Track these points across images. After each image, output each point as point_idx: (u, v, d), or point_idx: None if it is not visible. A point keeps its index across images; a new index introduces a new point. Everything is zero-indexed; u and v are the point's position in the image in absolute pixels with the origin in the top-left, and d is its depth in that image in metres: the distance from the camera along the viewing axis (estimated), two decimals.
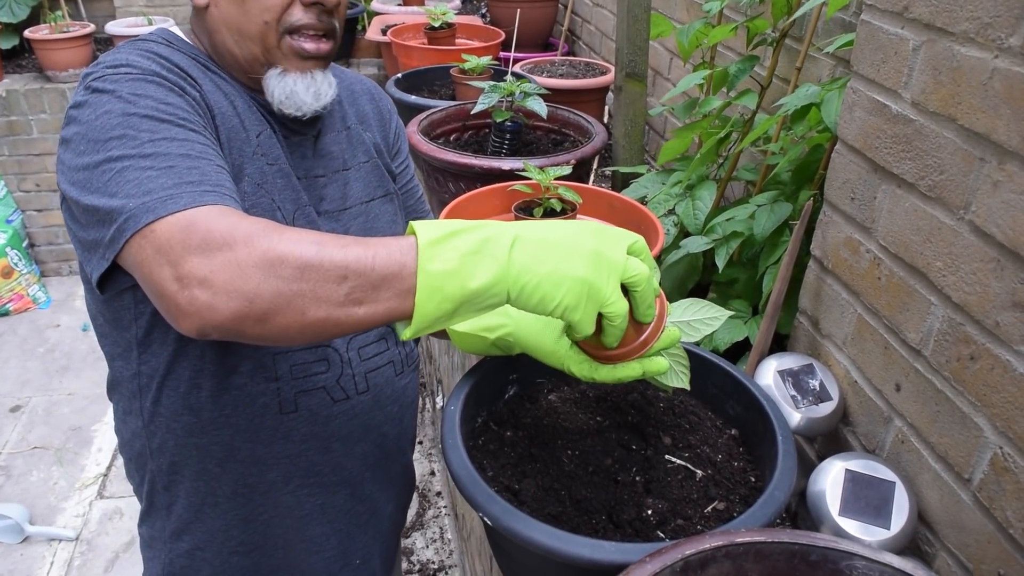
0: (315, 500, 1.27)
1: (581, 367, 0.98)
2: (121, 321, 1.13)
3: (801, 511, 1.24)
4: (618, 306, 0.86)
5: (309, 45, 1.12)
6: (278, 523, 1.26)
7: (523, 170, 1.57)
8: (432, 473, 3.25)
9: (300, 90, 1.12)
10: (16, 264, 4.35)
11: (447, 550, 2.89)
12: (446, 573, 2.79)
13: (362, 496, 1.34)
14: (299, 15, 1.10)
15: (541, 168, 1.52)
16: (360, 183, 1.27)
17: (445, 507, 3.08)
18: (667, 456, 1.14)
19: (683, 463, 1.13)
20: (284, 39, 1.10)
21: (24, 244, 4.47)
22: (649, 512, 1.04)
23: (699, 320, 1.09)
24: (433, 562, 2.84)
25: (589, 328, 0.86)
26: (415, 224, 0.88)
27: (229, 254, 0.83)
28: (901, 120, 1.07)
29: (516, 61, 2.81)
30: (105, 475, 3.30)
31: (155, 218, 0.87)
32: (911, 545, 1.11)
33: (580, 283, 0.84)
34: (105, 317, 1.15)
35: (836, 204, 1.24)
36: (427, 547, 2.90)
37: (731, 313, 1.11)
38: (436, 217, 1.46)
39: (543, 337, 1.04)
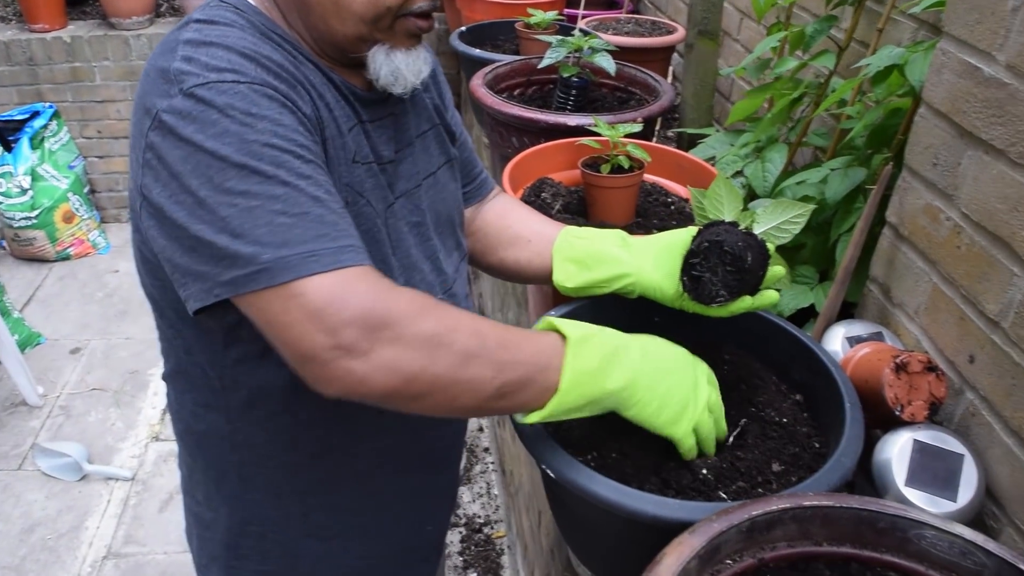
0: (401, 483, 1.25)
1: (695, 306, 1.12)
2: (206, 324, 1.05)
3: (859, 480, 1.22)
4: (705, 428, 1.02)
5: (424, 23, 1.05)
6: (360, 510, 1.23)
7: (589, 127, 1.55)
8: (480, 429, 3.28)
9: (404, 68, 1.05)
10: (77, 209, 4.43)
11: (493, 505, 2.92)
12: (492, 527, 2.83)
13: (443, 471, 1.34)
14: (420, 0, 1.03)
15: (610, 124, 1.50)
16: (425, 154, 1.20)
17: (492, 463, 3.11)
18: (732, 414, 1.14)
19: (747, 426, 1.12)
20: (399, 20, 1.03)
21: (85, 190, 4.55)
22: (705, 471, 1.03)
23: (786, 221, 1.13)
24: (479, 516, 2.87)
25: (690, 442, 1.01)
26: (557, 322, 0.99)
27: (392, 332, 0.85)
28: (994, 83, 1.04)
29: (582, 17, 2.77)
30: (161, 419, 3.38)
31: (296, 277, 0.84)
32: (976, 519, 1.09)
33: (690, 406, 1.00)
34: (179, 313, 1.05)
35: (916, 170, 1.20)
36: (474, 501, 2.94)
37: (813, 207, 1.18)
38: (486, 169, 1.42)
39: (665, 284, 1.14)
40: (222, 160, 0.86)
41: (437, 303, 0.92)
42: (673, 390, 0.99)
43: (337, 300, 0.84)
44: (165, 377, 1.18)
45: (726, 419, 1.11)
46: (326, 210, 0.90)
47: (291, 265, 0.85)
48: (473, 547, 2.75)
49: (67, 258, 4.47)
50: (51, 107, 4.36)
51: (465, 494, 2.97)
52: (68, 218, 4.39)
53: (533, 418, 0.95)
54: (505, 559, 2.70)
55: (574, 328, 0.97)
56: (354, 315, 0.84)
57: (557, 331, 0.99)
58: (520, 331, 0.96)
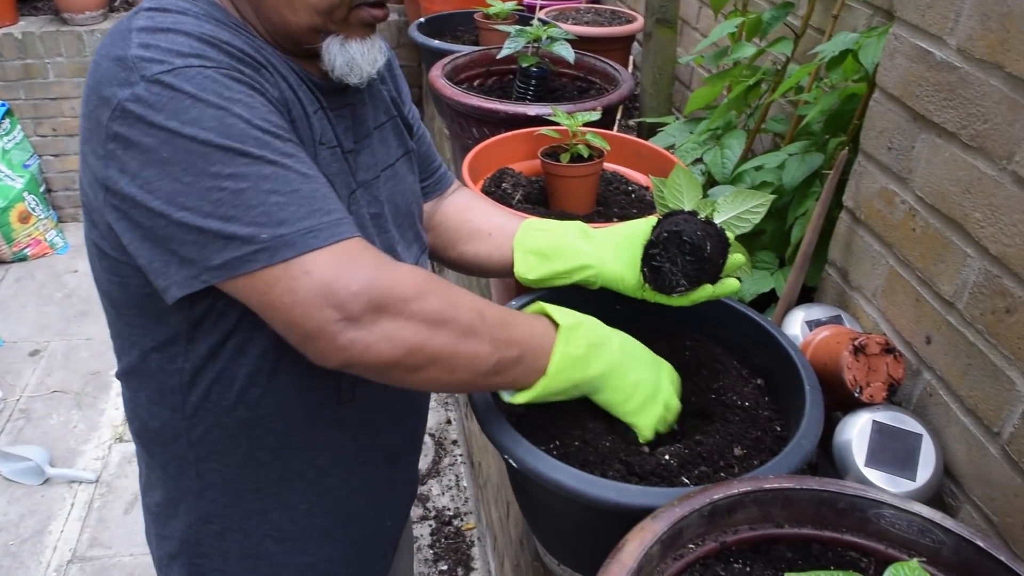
0: (359, 479, 1.24)
1: (657, 296, 1.12)
2: (168, 319, 1.03)
3: (822, 463, 1.24)
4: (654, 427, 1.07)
5: (379, 12, 1.04)
6: (318, 510, 1.21)
7: (549, 116, 1.55)
8: (448, 422, 3.27)
9: (359, 58, 1.05)
10: (33, 209, 4.35)
11: (463, 497, 2.92)
12: (461, 519, 2.83)
13: (401, 466, 1.33)
14: None
15: (569, 113, 1.50)
16: (384, 145, 1.20)
17: (461, 455, 3.10)
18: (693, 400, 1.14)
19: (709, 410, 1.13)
20: (353, 11, 1.02)
21: (41, 189, 4.47)
22: (667, 457, 1.03)
23: (746, 211, 1.14)
24: (449, 509, 2.87)
25: (649, 433, 1.06)
26: (549, 308, 1.04)
27: (397, 305, 0.88)
28: (945, 67, 1.05)
29: (541, 7, 2.77)
30: (124, 420, 3.33)
31: (297, 254, 0.85)
32: (935, 498, 1.11)
33: (652, 400, 1.06)
34: (140, 309, 1.04)
35: (871, 154, 1.22)
36: (443, 494, 2.94)
37: (773, 196, 1.18)
38: (447, 161, 1.42)
39: (626, 275, 1.14)
40: (205, 145, 0.85)
41: (436, 277, 0.95)
42: (641, 383, 1.05)
43: (344, 274, 0.86)
44: (119, 375, 1.16)
45: (688, 404, 1.13)
46: (315, 185, 0.91)
47: (291, 242, 0.85)
48: (443, 540, 2.75)
49: (24, 259, 4.39)
50: (3, 105, 4.27)
51: (434, 487, 2.96)
52: (24, 218, 4.31)
53: (520, 398, 0.99)
54: (475, 551, 2.71)
55: (565, 315, 1.02)
56: (361, 287, 0.85)
57: (547, 316, 1.04)
58: (514, 312, 1.01)
